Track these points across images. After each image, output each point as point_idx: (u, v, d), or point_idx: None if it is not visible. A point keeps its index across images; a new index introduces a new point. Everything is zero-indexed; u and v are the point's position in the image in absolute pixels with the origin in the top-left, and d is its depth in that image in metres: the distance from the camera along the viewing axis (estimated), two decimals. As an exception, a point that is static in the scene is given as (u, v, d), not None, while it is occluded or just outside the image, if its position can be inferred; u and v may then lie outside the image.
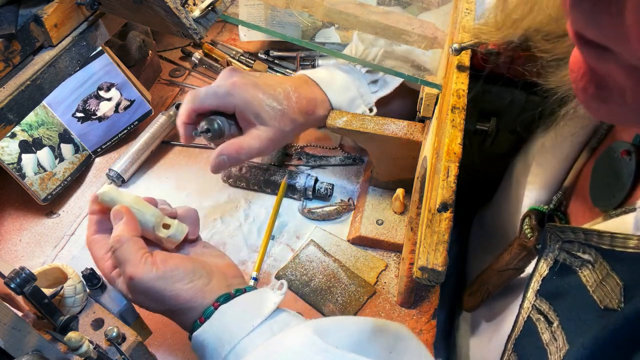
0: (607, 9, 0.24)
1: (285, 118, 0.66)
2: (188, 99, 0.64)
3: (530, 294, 0.52)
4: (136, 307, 0.61)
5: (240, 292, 0.55)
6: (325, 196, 0.81)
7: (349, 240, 0.78)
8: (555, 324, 0.47)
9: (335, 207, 0.81)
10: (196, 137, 0.65)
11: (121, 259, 0.54)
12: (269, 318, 0.52)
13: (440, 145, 0.53)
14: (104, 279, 0.58)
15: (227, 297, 0.54)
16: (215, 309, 0.53)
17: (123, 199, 0.59)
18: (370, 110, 0.77)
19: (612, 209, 0.47)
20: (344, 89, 0.74)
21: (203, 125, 0.64)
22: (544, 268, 0.51)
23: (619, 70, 0.28)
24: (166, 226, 0.59)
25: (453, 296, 0.85)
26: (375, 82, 0.78)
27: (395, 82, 0.78)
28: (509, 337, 0.54)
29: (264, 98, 0.64)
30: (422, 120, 0.72)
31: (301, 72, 0.76)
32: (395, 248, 0.76)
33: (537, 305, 0.51)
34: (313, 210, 0.81)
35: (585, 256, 0.46)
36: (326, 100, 0.73)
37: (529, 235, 0.56)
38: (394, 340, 0.50)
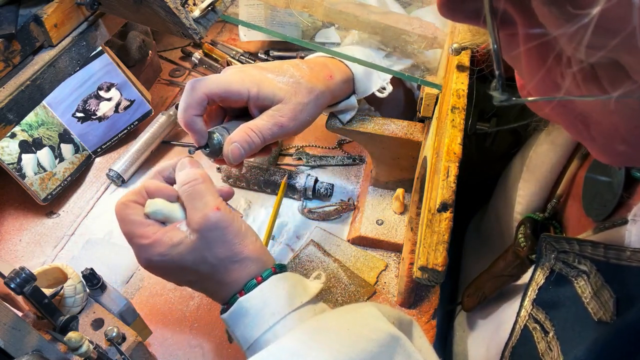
0: None
1: (302, 88, 0.60)
2: (192, 87, 0.56)
3: (527, 302, 0.52)
4: (135, 308, 0.61)
5: (286, 268, 0.55)
6: (325, 196, 0.81)
7: (349, 240, 0.78)
8: (550, 334, 0.47)
9: (335, 207, 0.81)
10: (191, 154, 0.58)
11: (203, 192, 0.52)
12: (310, 301, 0.53)
13: (440, 145, 0.53)
14: (102, 279, 0.58)
15: (281, 267, 0.54)
16: (274, 273, 0.53)
17: (173, 207, 0.55)
18: (384, 88, 0.72)
19: (603, 219, 0.47)
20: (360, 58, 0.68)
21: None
22: (540, 277, 0.51)
23: None
24: None
25: (448, 299, 0.85)
26: (388, 56, 0.73)
27: (407, 61, 0.72)
28: (506, 344, 0.54)
29: (273, 77, 0.60)
30: (422, 120, 0.72)
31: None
32: (395, 248, 0.76)
33: (533, 314, 0.51)
34: (313, 210, 0.81)
35: (582, 267, 0.46)
36: (342, 65, 0.66)
37: (522, 245, 0.56)
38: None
